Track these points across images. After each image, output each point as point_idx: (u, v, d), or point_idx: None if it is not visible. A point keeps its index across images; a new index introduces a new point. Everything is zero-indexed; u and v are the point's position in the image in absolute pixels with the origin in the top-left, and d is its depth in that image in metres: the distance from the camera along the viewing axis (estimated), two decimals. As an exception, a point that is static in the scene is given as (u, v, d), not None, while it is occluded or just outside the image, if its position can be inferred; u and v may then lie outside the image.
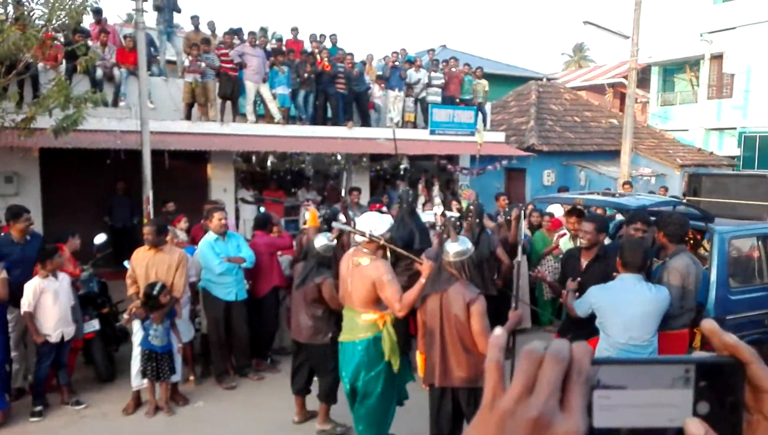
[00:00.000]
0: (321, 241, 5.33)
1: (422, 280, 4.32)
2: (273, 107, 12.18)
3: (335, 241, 5.58)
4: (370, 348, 4.60)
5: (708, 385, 0.56)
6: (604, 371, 0.55)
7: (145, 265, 5.94)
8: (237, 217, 11.97)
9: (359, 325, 4.65)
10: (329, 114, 13.12)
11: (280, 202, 12.50)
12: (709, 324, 0.59)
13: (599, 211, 7.79)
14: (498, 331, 0.61)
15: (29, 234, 6.17)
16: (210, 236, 6.49)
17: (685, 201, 7.55)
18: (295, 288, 5.41)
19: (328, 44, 13.60)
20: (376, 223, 4.69)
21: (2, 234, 6.47)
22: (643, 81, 23.14)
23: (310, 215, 6.67)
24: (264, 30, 13.02)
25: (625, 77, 17.76)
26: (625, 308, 4.13)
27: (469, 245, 4.19)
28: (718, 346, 0.57)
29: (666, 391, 0.55)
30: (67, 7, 7.59)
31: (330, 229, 6.11)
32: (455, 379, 4.10)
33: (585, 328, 4.48)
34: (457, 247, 4.09)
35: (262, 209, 11.28)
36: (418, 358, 4.46)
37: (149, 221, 6.36)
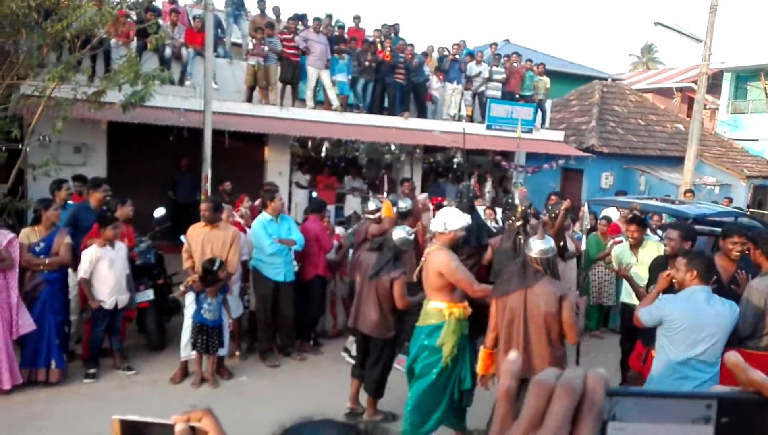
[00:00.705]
0: (399, 233, 5.33)
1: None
2: (332, 94, 12.30)
3: (413, 236, 5.58)
4: (433, 335, 4.73)
5: (730, 422, 0.53)
6: (620, 403, 0.52)
7: (201, 240, 6.13)
8: (290, 201, 12.18)
9: (428, 312, 4.83)
10: (386, 104, 13.16)
11: (333, 189, 12.65)
12: (733, 357, 0.56)
13: (656, 218, 7.57)
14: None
15: (106, 204, 6.52)
16: (264, 217, 6.63)
17: (748, 213, 7.27)
18: (368, 278, 5.36)
19: (390, 34, 13.60)
20: (453, 218, 4.86)
21: (75, 203, 6.84)
22: (714, 87, 22.23)
23: (384, 206, 6.69)
24: (329, 17, 13.11)
25: (695, 82, 17.12)
26: (700, 322, 3.93)
27: (552, 243, 4.33)
28: (744, 381, 0.54)
29: (685, 426, 0.53)
30: (141, -15, 7.85)
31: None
32: (537, 370, 4.12)
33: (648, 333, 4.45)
34: (541, 244, 4.24)
35: (314, 194, 11.45)
36: (482, 353, 4.55)
37: (206, 198, 6.58)
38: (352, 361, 6.58)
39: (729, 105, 23.27)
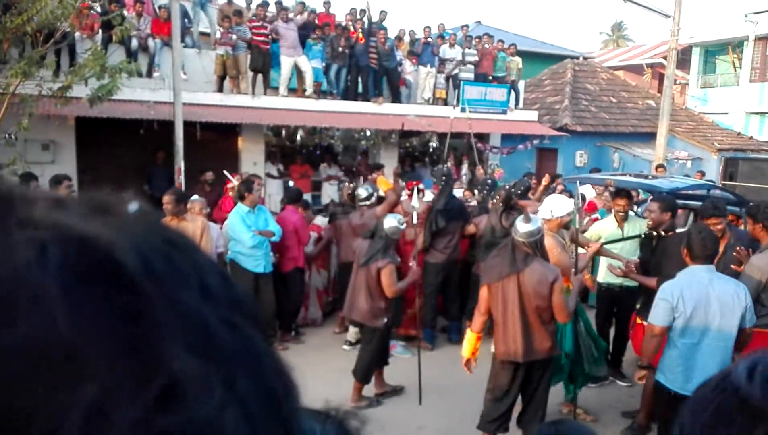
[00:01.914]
0: (391, 222, 5.33)
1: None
2: (309, 79, 12.16)
3: (404, 225, 5.58)
4: None
5: None
6: None
7: (167, 235, 6.03)
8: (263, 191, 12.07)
9: None
10: (360, 89, 13.07)
11: (308, 177, 12.56)
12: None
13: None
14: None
15: None
16: (241, 209, 6.55)
17: (720, 185, 7.38)
18: (359, 266, 5.39)
19: (365, 16, 13.40)
20: (559, 204, 5.05)
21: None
22: (683, 62, 22.48)
23: (379, 180, 6.91)
24: (302, 3, 12.96)
25: (665, 58, 17.29)
26: (708, 304, 3.72)
27: (539, 224, 4.35)
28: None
29: None
30: (103, -24, 7.66)
31: (511, 208, 6.20)
32: (539, 352, 4.31)
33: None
34: (529, 226, 4.24)
35: (291, 183, 11.36)
36: (470, 337, 4.53)
37: (168, 191, 6.43)
38: (347, 348, 6.74)
39: (699, 79, 23.56)
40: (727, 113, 21.27)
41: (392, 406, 5.56)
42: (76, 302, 0.22)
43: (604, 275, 6.03)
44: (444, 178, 6.85)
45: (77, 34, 9.71)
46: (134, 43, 10.74)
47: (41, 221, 0.23)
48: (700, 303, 3.76)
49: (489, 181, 7.95)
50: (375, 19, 13.48)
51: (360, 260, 5.38)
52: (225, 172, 8.27)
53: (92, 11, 9.70)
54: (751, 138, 18.90)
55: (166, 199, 6.10)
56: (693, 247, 3.84)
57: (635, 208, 6.90)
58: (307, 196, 9.63)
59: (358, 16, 13.21)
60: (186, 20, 11.59)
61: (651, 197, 5.59)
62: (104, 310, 0.22)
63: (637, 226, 5.92)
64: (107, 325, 0.22)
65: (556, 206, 4.99)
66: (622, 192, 6.10)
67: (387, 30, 13.21)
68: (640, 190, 7.49)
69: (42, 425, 0.20)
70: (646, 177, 6.15)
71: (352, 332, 6.88)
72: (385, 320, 5.36)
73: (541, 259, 4.25)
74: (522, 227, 4.23)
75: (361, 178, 11.09)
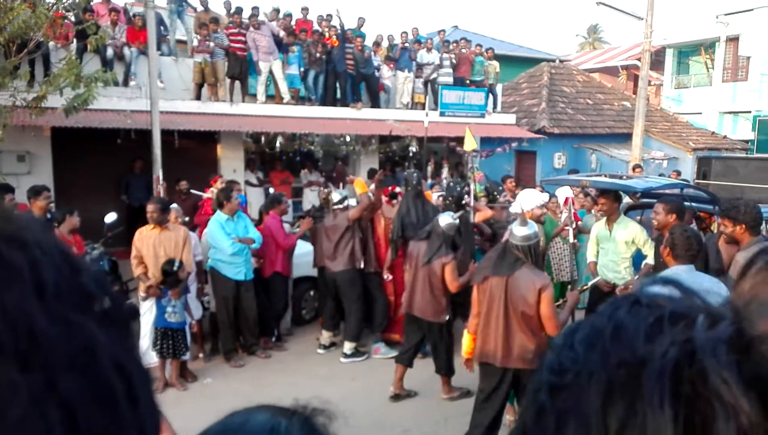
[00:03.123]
0: (445, 219, 5.46)
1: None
2: (283, 87, 12.17)
3: (458, 220, 5.67)
4: None
5: None
6: None
7: (152, 244, 5.99)
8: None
9: None
10: (338, 95, 13.10)
11: (288, 183, 12.54)
12: None
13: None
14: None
15: (49, 212, 6.29)
16: (220, 217, 6.53)
17: (693, 184, 7.52)
18: (420, 265, 5.49)
19: (335, 22, 13.41)
20: (528, 198, 5.24)
21: (21, 212, 6.55)
22: (658, 63, 22.84)
23: (357, 183, 6.91)
24: (276, 10, 12.95)
25: (639, 59, 17.54)
26: None
27: (536, 229, 4.32)
28: None
29: None
30: (77, -15, 7.61)
31: (462, 208, 6.26)
32: (517, 360, 4.19)
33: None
34: (524, 230, 4.19)
35: (272, 190, 11.33)
36: (466, 338, 4.58)
37: (153, 199, 6.40)
38: (321, 352, 6.81)
39: (673, 80, 23.95)
40: (701, 113, 21.65)
41: (378, 408, 5.57)
42: None
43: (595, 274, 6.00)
44: (409, 182, 6.65)
45: (51, 43, 9.62)
46: (110, 51, 10.66)
47: None
48: None
49: (450, 184, 7.69)
50: (347, 24, 13.51)
51: (421, 260, 5.48)
52: (193, 191, 8.24)
53: (66, 20, 9.60)
54: (725, 137, 19.25)
55: (151, 207, 6.06)
56: (676, 246, 3.72)
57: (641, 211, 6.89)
58: (288, 202, 9.60)
59: (328, 20, 13.23)
60: (162, 28, 11.52)
61: (659, 198, 5.52)
62: None
63: (628, 227, 5.87)
64: None
65: (525, 200, 5.03)
66: (606, 192, 6.03)
67: (365, 37, 13.25)
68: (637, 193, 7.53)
69: None
70: (621, 177, 6.23)
71: (326, 336, 6.98)
72: (447, 317, 5.51)
73: (531, 265, 4.17)
74: (518, 231, 4.19)
75: (340, 184, 11.10)
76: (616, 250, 5.78)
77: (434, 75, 14.18)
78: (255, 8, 12.31)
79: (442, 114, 13.98)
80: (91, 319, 0.30)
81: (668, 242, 3.76)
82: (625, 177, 6.44)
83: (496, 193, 7.16)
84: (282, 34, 12.25)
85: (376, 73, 13.52)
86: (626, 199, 7.79)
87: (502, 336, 4.18)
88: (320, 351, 6.94)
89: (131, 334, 0.34)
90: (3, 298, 0.25)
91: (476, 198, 7.29)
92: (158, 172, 9.59)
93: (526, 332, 4.14)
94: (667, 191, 6.60)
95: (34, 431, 0.24)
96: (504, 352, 4.19)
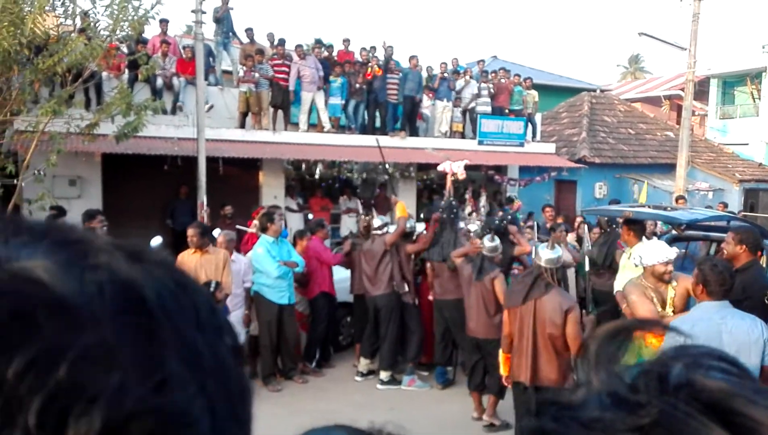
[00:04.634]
0: (486, 244, 5.69)
1: None
2: (324, 116, 12.40)
3: (498, 241, 5.86)
4: None
5: None
6: None
7: (193, 267, 6.11)
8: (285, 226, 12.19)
9: None
10: (378, 124, 13.26)
11: (327, 210, 12.69)
12: None
13: (650, 224, 7.61)
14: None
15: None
16: (266, 240, 6.65)
17: (740, 216, 7.33)
18: (474, 281, 5.62)
19: (379, 54, 13.64)
20: (650, 251, 4.47)
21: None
22: (702, 93, 22.47)
23: (399, 207, 7.01)
24: (319, 41, 13.28)
25: (682, 89, 17.31)
26: (720, 342, 3.25)
27: (560, 252, 4.51)
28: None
29: None
30: (130, 18, 7.96)
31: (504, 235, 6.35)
32: (544, 379, 4.40)
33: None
34: (550, 254, 4.41)
35: (311, 216, 11.48)
36: (501, 357, 4.81)
37: (192, 224, 6.56)
38: (359, 379, 6.83)
39: (717, 111, 23.48)
40: (747, 144, 21.12)
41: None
42: (119, 322, 0.34)
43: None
44: (446, 211, 6.63)
45: (104, 73, 10.03)
46: (159, 81, 11.05)
47: (102, 266, 0.36)
48: (710, 340, 3.23)
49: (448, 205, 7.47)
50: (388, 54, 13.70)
51: (472, 278, 5.61)
52: (239, 227, 8.35)
53: (119, 51, 10.03)
54: (772, 168, 18.73)
55: (191, 232, 6.22)
56: (709, 283, 3.48)
57: (655, 238, 6.83)
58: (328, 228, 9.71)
59: (371, 52, 13.44)
60: (210, 59, 11.91)
61: (731, 228, 5.22)
62: (132, 327, 0.34)
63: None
64: (133, 337, 0.34)
65: (646, 253, 4.40)
66: (628, 220, 5.87)
67: (399, 63, 13.43)
68: (658, 222, 7.44)
69: (90, 391, 0.31)
70: (665, 208, 6.12)
71: (364, 364, 6.97)
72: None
73: (560, 288, 4.40)
74: (544, 254, 4.41)
75: (382, 210, 11.18)
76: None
77: (473, 104, 14.24)
78: (299, 46, 12.65)
79: (480, 142, 13.99)
80: (225, 346, 0.41)
81: (699, 278, 3.51)
82: (669, 208, 6.32)
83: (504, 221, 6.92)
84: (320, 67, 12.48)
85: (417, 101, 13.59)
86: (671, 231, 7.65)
87: (531, 356, 4.40)
88: (358, 378, 6.94)
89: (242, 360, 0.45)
90: (178, 324, 0.37)
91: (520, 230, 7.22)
92: (203, 198, 9.84)
93: (550, 353, 4.37)
94: (713, 223, 6.47)
95: (196, 409, 0.35)
96: (532, 372, 4.42)
